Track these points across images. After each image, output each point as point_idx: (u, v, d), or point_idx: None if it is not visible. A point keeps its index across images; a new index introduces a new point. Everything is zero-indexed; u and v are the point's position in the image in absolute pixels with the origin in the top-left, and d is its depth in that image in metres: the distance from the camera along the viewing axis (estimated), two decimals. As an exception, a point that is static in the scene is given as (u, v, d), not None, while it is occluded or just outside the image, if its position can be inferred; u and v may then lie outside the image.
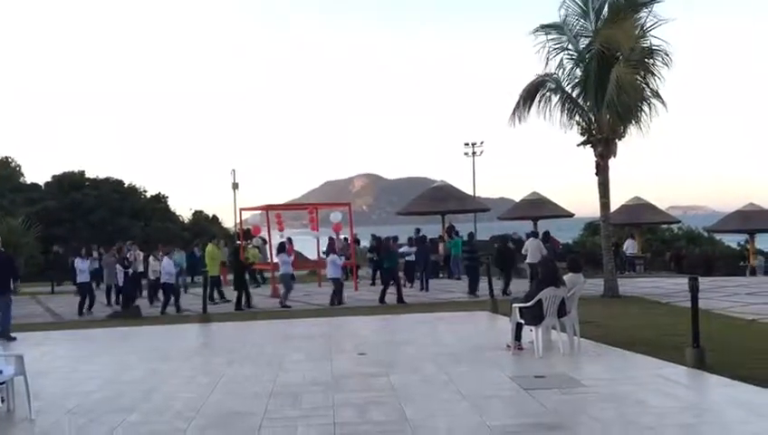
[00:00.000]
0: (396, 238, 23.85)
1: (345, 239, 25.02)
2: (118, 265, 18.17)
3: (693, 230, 40.35)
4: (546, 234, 22.68)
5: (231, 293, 19.11)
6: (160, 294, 18.17)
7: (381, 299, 17.47)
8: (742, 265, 30.23)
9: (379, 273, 21.01)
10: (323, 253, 24.41)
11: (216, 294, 19.17)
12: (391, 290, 17.58)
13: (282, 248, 18.91)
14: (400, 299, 17.40)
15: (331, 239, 24.72)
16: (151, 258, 19.73)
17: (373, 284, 22.96)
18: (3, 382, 7.12)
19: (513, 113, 17.64)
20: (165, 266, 17.49)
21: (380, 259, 19.86)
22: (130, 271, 18.29)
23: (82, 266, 17.95)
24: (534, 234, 21.18)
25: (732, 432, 5.64)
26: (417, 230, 24.65)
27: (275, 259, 18.54)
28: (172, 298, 17.68)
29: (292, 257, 21.16)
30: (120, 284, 17.98)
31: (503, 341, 10.12)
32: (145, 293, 19.55)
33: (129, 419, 6.78)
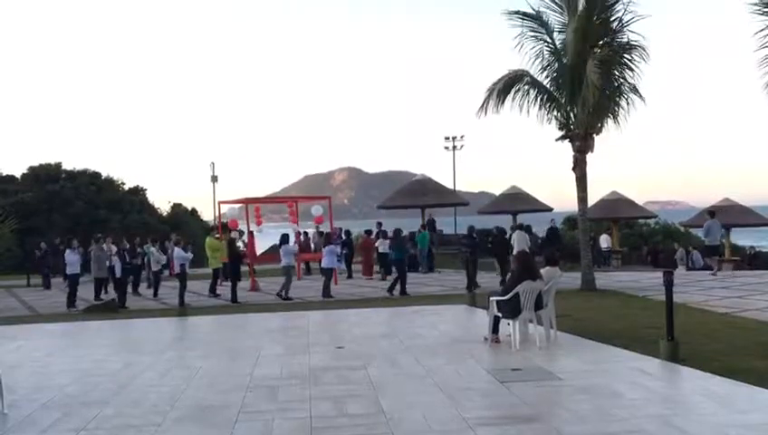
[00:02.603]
0: (383, 231, 23.92)
1: (321, 233, 24.99)
2: (116, 258, 18.01)
3: (669, 225, 40.79)
4: (528, 228, 22.94)
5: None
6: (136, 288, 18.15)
7: (402, 292, 17.63)
8: (718, 259, 30.58)
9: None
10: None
11: (217, 287, 19.18)
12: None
13: (284, 240, 18.85)
14: (398, 291, 17.66)
15: (327, 233, 24.52)
16: (154, 249, 19.73)
17: (350, 277, 23.06)
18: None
19: (482, 106, 17.54)
20: (177, 256, 17.43)
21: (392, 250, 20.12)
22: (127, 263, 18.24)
23: (72, 258, 17.82)
24: (520, 226, 21.44)
25: (704, 424, 5.71)
26: (380, 224, 24.78)
27: (281, 251, 18.50)
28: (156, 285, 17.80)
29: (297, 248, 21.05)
30: (118, 275, 17.79)
31: (480, 334, 10.18)
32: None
33: (103, 412, 6.73)
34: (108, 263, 18.54)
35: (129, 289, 18.74)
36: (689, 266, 27.70)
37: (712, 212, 22.38)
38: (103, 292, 19.16)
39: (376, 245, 23.45)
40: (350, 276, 23.22)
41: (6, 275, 27.38)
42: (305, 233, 25.48)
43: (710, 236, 20.75)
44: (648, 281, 18.61)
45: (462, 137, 55.10)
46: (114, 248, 19.22)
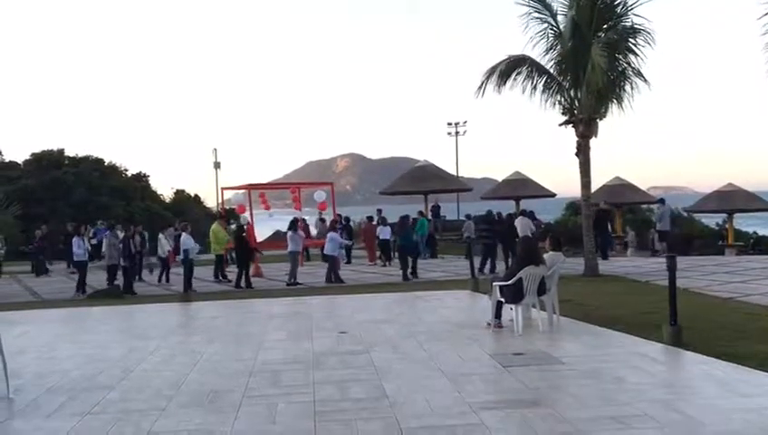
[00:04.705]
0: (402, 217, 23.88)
1: (323, 220, 25.01)
2: (122, 245, 17.97)
3: (672, 210, 40.67)
4: (532, 213, 23.01)
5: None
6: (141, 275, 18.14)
7: (405, 277, 17.78)
8: (720, 244, 30.59)
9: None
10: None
11: (220, 274, 19.28)
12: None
13: (292, 226, 18.93)
14: (406, 276, 17.77)
15: (332, 220, 24.47)
16: (161, 236, 19.76)
17: (349, 262, 23.07)
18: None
19: (481, 85, 17.34)
20: (184, 242, 17.49)
21: (397, 237, 20.26)
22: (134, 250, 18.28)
23: (80, 246, 17.85)
24: (524, 212, 21.56)
25: (707, 408, 5.73)
26: (380, 211, 24.81)
27: (288, 236, 18.61)
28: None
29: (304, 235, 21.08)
30: (124, 264, 17.78)
31: (483, 319, 10.19)
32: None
33: (108, 396, 6.76)
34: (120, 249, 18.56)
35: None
36: (651, 250, 27.66)
37: (662, 200, 24.59)
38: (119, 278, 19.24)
39: (377, 232, 23.44)
40: (349, 262, 23.24)
41: (10, 261, 27.38)
42: (303, 220, 25.54)
43: (662, 222, 22.96)
44: (650, 266, 18.60)
45: (465, 122, 55.14)
46: (120, 235, 19.23)
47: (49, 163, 43.24)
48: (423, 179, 34.76)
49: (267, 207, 25.52)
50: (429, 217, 30.73)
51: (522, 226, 18.91)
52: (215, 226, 19.87)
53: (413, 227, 23.53)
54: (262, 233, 29.01)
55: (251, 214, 23.41)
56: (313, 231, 25.71)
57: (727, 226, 32.19)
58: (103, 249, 19.01)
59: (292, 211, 25.28)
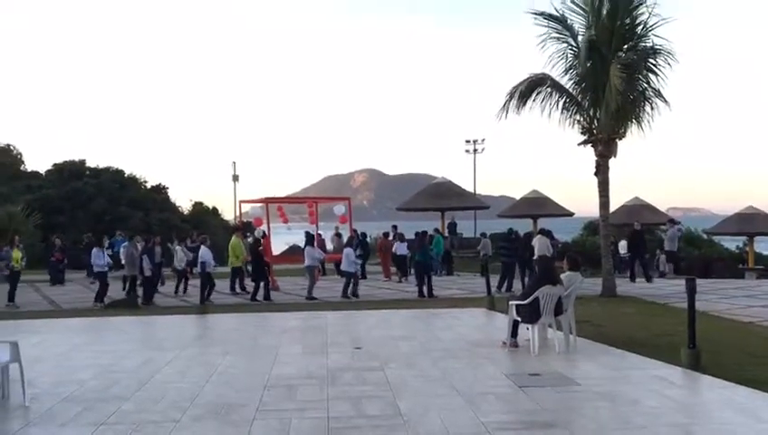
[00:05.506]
0: (425, 232, 23.89)
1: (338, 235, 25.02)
2: (145, 256, 18.03)
3: (692, 232, 40.32)
4: (549, 232, 22.92)
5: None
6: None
7: (420, 294, 17.77)
8: (741, 267, 30.22)
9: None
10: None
11: (237, 286, 19.37)
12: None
13: (309, 241, 18.98)
14: (421, 293, 17.72)
15: (349, 236, 24.42)
16: (178, 247, 19.87)
17: (364, 277, 22.99)
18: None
19: (504, 107, 17.27)
20: (203, 255, 17.57)
21: (415, 253, 20.09)
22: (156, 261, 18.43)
23: (100, 258, 18.00)
24: (542, 231, 21.45)
25: (725, 433, 5.65)
26: (395, 227, 24.74)
27: (305, 252, 18.70)
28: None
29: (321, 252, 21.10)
30: (147, 274, 17.84)
31: (499, 338, 10.13)
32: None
33: (123, 407, 6.79)
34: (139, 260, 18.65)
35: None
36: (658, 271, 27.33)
37: (673, 220, 24.51)
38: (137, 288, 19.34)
39: (393, 249, 23.38)
40: (364, 277, 23.17)
41: (28, 269, 27.64)
42: (320, 234, 25.54)
43: (671, 243, 22.94)
44: (669, 288, 18.40)
45: (483, 140, 55.30)
46: (140, 246, 19.34)
47: (70, 174, 43.71)
48: (440, 196, 34.72)
49: (285, 221, 25.58)
50: (446, 234, 30.67)
51: (539, 245, 18.87)
52: (233, 239, 19.95)
53: (430, 243, 23.48)
54: (279, 247, 29.08)
55: (268, 227, 23.44)
56: (329, 245, 25.72)
57: (747, 249, 31.83)
58: (122, 260, 19.13)
59: (307, 226, 25.27)
